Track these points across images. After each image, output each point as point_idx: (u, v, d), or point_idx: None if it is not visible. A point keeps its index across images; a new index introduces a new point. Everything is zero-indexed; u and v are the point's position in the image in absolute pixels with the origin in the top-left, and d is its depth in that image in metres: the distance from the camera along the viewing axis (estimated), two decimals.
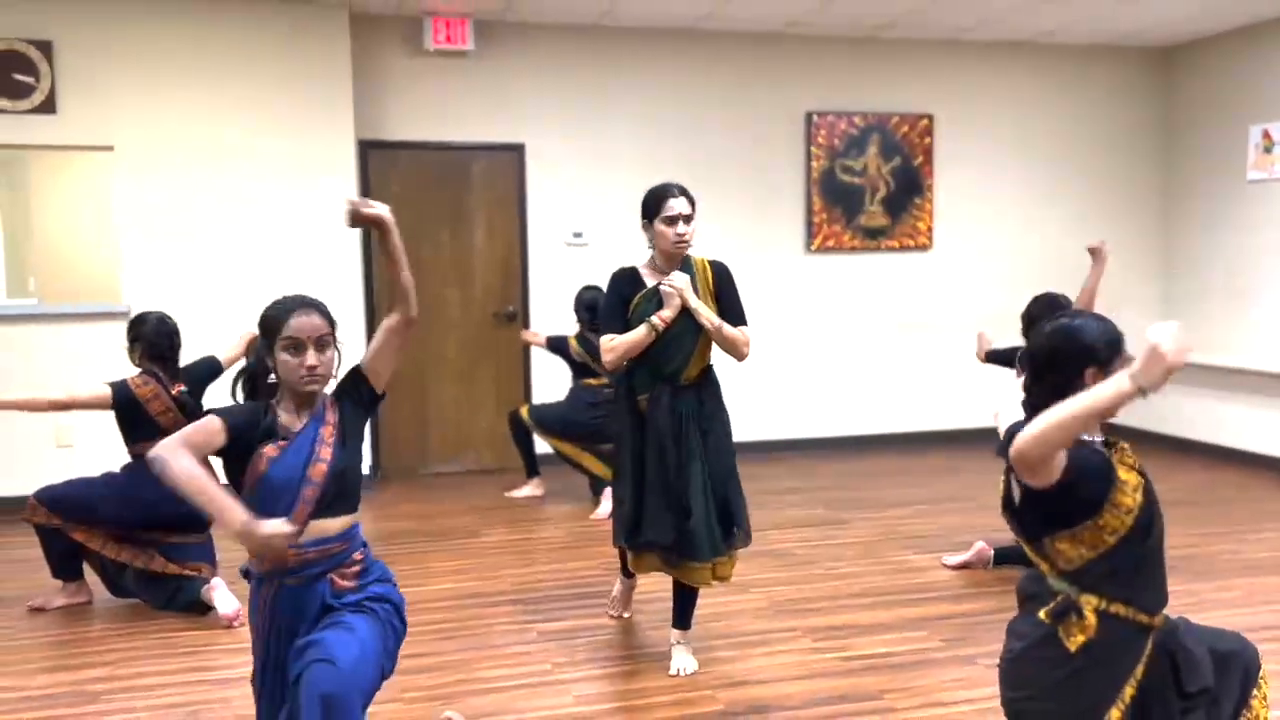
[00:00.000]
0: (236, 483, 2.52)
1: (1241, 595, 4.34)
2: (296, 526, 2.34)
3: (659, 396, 3.48)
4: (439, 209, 6.92)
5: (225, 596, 4.16)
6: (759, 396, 7.24)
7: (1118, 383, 1.93)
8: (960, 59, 7.60)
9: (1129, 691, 2.18)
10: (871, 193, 7.48)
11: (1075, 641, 2.19)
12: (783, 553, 5.03)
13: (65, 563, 4.36)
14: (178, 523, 4.28)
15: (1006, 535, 4.99)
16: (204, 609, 4.25)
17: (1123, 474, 2.21)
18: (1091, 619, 2.18)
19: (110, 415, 4.26)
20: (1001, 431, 2.51)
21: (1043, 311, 4.71)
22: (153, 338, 4.25)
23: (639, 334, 3.45)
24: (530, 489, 6.24)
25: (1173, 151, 7.96)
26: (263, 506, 2.43)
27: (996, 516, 5.52)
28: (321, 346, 2.51)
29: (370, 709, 3.14)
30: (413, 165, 6.86)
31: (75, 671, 3.73)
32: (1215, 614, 3.98)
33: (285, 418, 2.55)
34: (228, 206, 6.26)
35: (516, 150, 6.96)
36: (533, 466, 6.25)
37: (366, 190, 6.62)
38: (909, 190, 7.55)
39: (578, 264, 7.02)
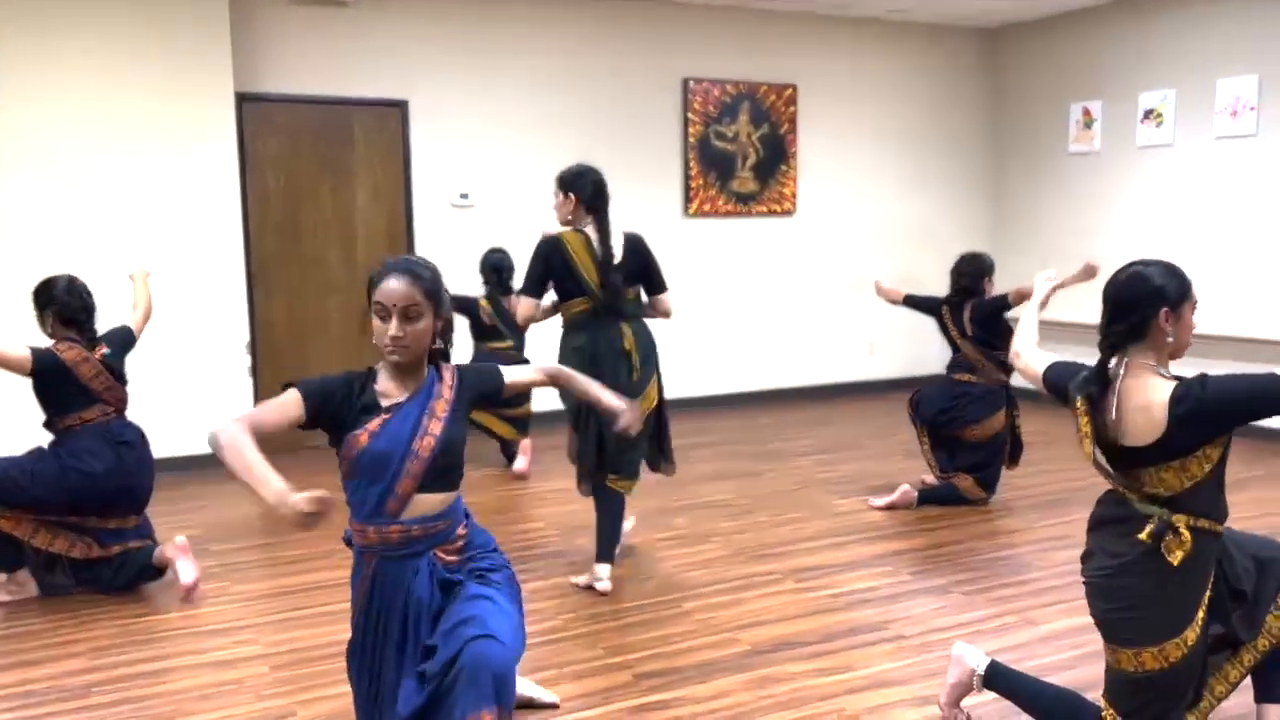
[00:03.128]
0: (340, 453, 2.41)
1: None
2: (327, 496, 2.12)
3: None
4: (319, 166, 6.60)
5: (187, 565, 3.91)
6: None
7: None
8: (821, 32, 7.98)
9: (1203, 615, 2.44)
10: (743, 159, 7.76)
11: (1177, 556, 2.38)
12: (721, 504, 5.22)
13: (2, 553, 3.95)
14: (116, 503, 3.98)
15: (911, 477, 5.42)
16: (155, 574, 3.99)
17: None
18: (1188, 535, 2.39)
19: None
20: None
21: (970, 269, 5.15)
22: (64, 299, 3.92)
23: None
24: None
25: (1003, 125, 8.71)
26: (363, 481, 2.37)
27: (890, 462, 6.00)
28: (409, 317, 2.35)
29: None
30: (291, 120, 6.49)
31: (43, 667, 3.41)
32: None
33: (385, 384, 2.43)
34: (95, 163, 5.73)
35: (400, 107, 6.73)
36: None
37: (242, 145, 6.21)
38: (776, 157, 7.88)
39: (465, 226, 6.90)
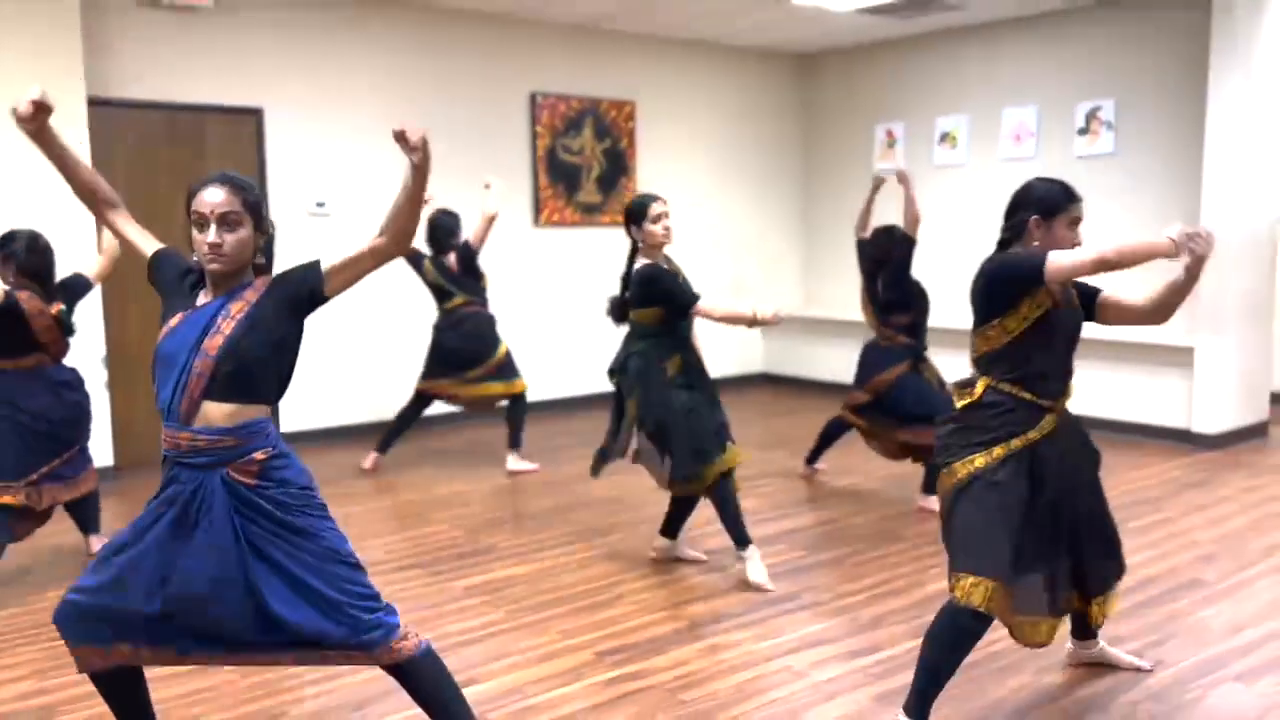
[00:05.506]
0: None
1: None
2: None
3: (691, 356, 4.32)
4: (171, 173, 6.42)
5: None
6: None
7: (1154, 241, 2.58)
8: (657, 52, 8.47)
9: (999, 450, 2.84)
10: (587, 171, 8.12)
11: (961, 403, 2.96)
12: (608, 499, 5.53)
13: None
14: (62, 437, 4.26)
15: (777, 464, 5.92)
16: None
17: (1025, 304, 2.83)
18: (979, 391, 2.92)
19: None
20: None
21: (883, 240, 5.46)
22: (24, 256, 4.14)
23: (743, 313, 3.98)
24: (372, 461, 6.24)
25: (816, 143, 9.50)
26: (160, 377, 2.41)
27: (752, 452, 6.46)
28: (227, 224, 2.36)
29: (360, 674, 3.34)
30: (142, 126, 6.30)
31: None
32: None
33: (203, 296, 2.47)
34: None
35: (255, 114, 6.65)
36: (390, 437, 6.22)
37: (93, 150, 5.97)
38: (617, 170, 8.29)
39: (322, 234, 6.90)
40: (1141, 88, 7.23)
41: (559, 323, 8.10)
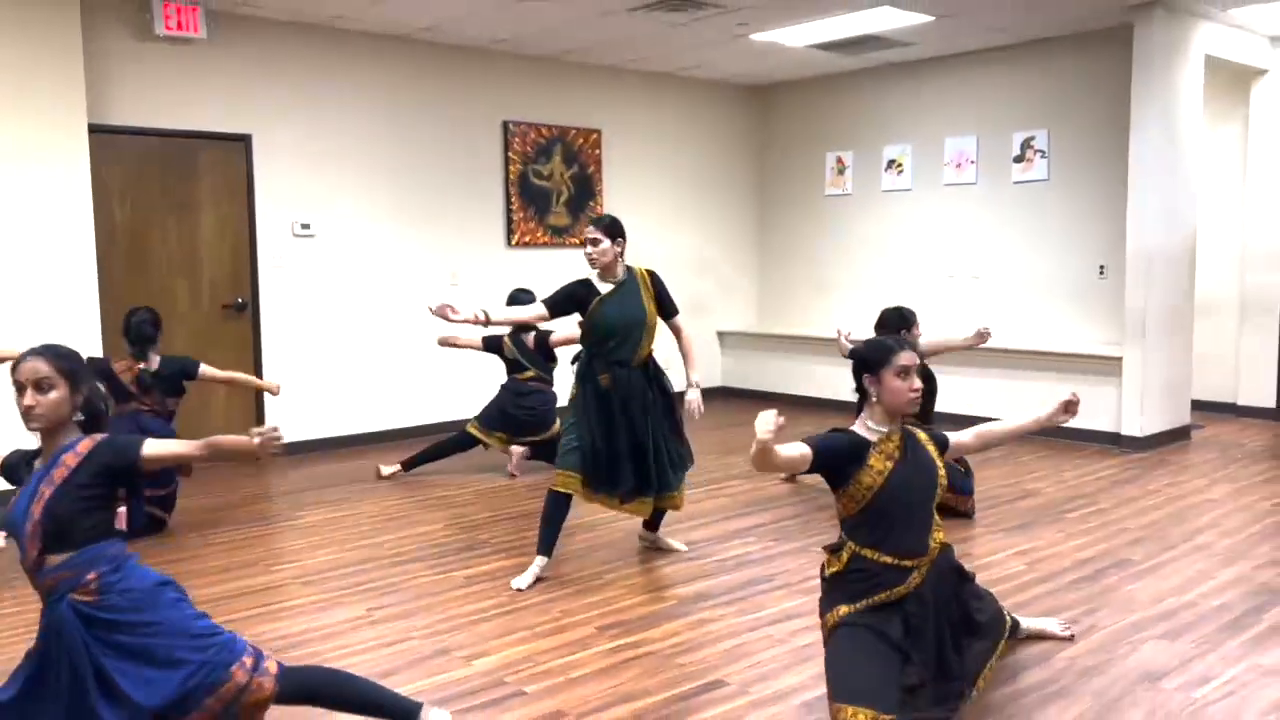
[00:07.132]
0: None
1: None
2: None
3: (618, 376, 4.55)
4: (165, 197, 6.73)
5: None
6: (476, 381, 7.95)
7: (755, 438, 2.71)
8: (621, 84, 8.94)
9: (865, 603, 2.97)
10: (557, 195, 8.54)
11: (829, 569, 3.10)
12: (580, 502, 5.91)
13: None
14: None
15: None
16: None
17: (873, 460, 3.00)
18: (844, 558, 3.04)
19: None
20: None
21: (890, 320, 5.49)
22: (128, 325, 5.37)
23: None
24: (391, 470, 6.60)
25: (770, 169, 10.02)
26: (18, 543, 2.67)
27: (710, 458, 6.90)
28: (41, 389, 2.61)
29: (383, 650, 3.66)
30: (138, 151, 6.60)
31: None
32: None
33: (39, 462, 2.71)
34: None
35: (244, 141, 6.97)
36: (420, 460, 6.53)
37: (93, 174, 6.25)
38: (584, 194, 8.72)
39: (306, 255, 7.23)
40: (1072, 119, 7.85)
41: None
